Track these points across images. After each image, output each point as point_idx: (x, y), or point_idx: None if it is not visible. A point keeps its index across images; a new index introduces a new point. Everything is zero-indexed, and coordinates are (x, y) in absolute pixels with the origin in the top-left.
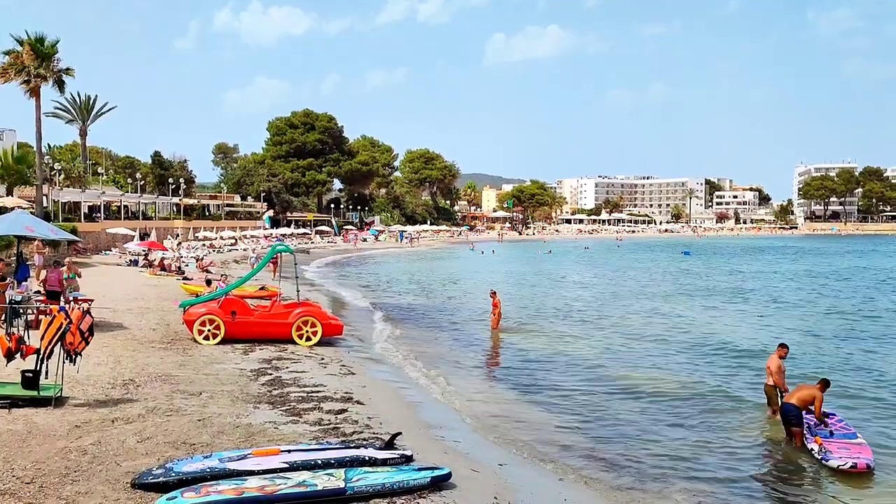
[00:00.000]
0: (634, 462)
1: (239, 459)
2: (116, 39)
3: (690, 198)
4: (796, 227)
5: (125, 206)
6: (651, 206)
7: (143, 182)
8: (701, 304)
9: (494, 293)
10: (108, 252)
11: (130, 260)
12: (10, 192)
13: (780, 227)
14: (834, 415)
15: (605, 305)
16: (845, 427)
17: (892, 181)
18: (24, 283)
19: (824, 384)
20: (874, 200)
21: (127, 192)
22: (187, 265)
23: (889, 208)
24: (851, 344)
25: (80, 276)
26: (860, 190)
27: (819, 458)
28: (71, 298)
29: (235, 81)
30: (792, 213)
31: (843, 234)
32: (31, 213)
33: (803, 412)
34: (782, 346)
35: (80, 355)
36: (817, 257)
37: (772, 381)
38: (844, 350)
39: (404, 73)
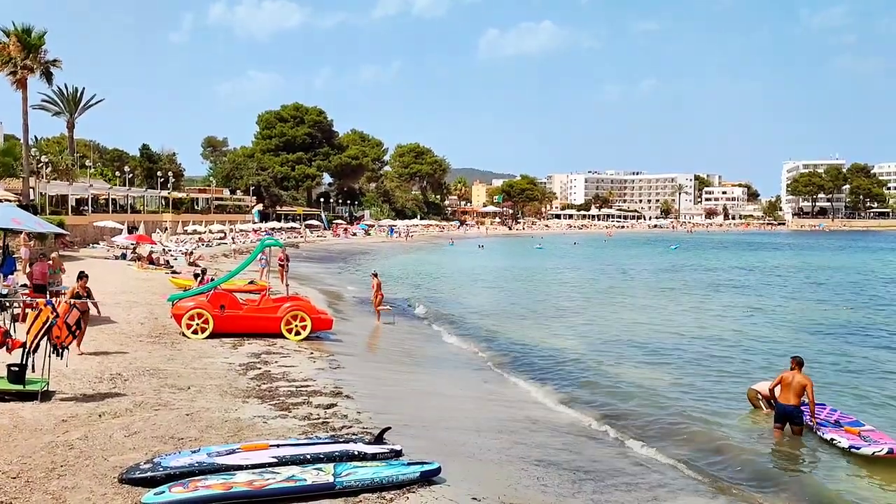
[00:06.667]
0: (631, 459)
1: (227, 454)
2: (109, 31)
3: (679, 193)
4: (784, 224)
5: (113, 200)
6: (640, 201)
7: (131, 175)
8: (685, 300)
9: (375, 274)
10: (95, 245)
11: (119, 254)
12: None
13: (768, 223)
14: (824, 405)
15: (592, 300)
16: (844, 416)
17: (879, 178)
18: (10, 276)
19: (798, 363)
20: (861, 197)
21: (115, 185)
22: (176, 259)
23: (876, 204)
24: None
25: (63, 272)
26: (847, 186)
27: (846, 446)
28: (62, 292)
29: (227, 75)
30: (780, 209)
31: (829, 230)
32: (17, 205)
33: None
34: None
35: (67, 349)
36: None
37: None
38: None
39: (397, 68)
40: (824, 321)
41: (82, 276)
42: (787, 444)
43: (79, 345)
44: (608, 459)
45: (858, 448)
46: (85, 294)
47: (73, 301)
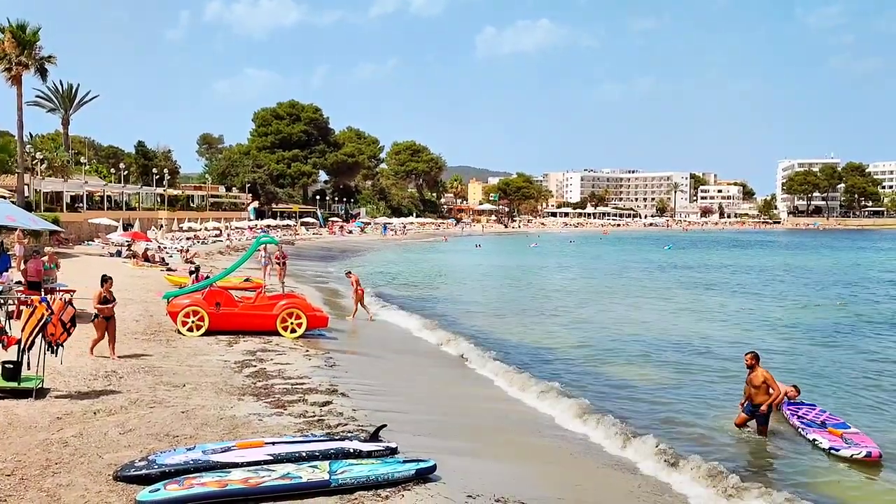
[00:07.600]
0: (630, 457)
1: (223, 452)
2: (104, 28)
3: (675, 191)
4: (779, 222)
5: (108, 197)
6: (636, 199)
7: (126, 172)
8: (678, 300)
9: (349, 273)
10: (90, 242)
11: (114, 251)
12: None
13: (763, 222)
14: (814, 406)
15: (585, 300)
16: (831, 417)
17: (874, 177)
18: (4, 273)
19: (755, 357)
20: (856, 195)
21: (110, 182)
22: (171, 256)
23: (870, 203)
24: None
25: (59, 268)
26: (842, 185)
27: (827, 447)
28: (57, 289)
29: (224, 72)
30: (775, 207)
31: (824, 228)
32: (12, 202)
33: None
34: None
35: (62, 346)
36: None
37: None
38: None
39: (394, 66)
40: (817, 319)
41: (106, 279)
42: (775, 442)
43: (112, 350)
44: (603, 455)
45: (838, 450)
46: (111, 297)
47: (67, 297)
